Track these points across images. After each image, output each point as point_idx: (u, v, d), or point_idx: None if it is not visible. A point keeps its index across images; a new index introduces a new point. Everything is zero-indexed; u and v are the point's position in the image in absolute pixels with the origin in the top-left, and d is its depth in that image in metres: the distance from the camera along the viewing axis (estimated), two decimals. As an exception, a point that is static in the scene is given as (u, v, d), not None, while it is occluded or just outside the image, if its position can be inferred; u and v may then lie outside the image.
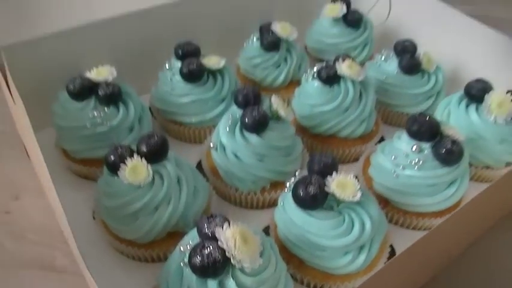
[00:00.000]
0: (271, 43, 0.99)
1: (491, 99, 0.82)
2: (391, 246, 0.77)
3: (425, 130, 0.75)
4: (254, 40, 1.03)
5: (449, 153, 0.73)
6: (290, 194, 0.69)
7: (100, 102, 0.82)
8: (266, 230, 0.77)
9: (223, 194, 0.85)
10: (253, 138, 0.77)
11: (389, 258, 0.73)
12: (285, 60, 1.02)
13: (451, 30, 1.06)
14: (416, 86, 0.96)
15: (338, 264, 0.68)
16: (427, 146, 0.75)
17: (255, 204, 0.84)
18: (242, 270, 0.56)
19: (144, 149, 0.69)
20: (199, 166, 0.88)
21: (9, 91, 0.78)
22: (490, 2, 1.50)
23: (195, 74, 0.89)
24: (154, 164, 0.70)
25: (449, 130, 0.76)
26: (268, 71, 1.01)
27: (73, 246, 0.64)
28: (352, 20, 1.09)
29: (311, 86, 0.89)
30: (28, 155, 0.94)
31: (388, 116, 1.02)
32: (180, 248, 0.59)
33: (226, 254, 0.54)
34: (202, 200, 0.75)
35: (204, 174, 0.84)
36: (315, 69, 0.89)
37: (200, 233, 0.57)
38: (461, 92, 0.89)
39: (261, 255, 0.57)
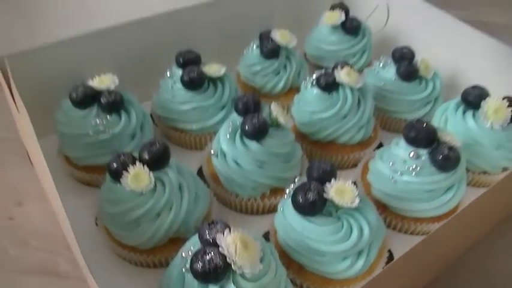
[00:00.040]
0: (271, 50, 1.00)
1: (488, 105, 0.83)
2: (389, 251, 0.78)
3: (423, 137, 0.76)
4: (254, 48, 1.03)
5: (446, 159, 0.74)
6: (290, 200, 0.69)
7: (102, 110, 0.83)
8: (266, 236, 0.78)
9: (224, 200, 0.85)
10: (253, 145, 0.78)
11: (387, 263, 0.73)
12: (285, 67, 1.02)
13: (448, 37, 1.06)
14: (414, 93, 0.97)
15: (337, 269, 0.68)
16: (424, 153, 0.76)
17: (255, 210, 0.84)
18: (243, 275, 0.56)
19: (146, 156, 0.70)
20: (200, 172, 0.89)
21: (13, 99, 0.79)
22: (484, 7, 1.50)
23: (195, 82, 0.90)
24: (156, 171, 0.71)
25: (446, 136, 0.76)
26: (267, 78, 1.02)
27: (76, 252, 0.65)
28: (351, 27, 1.10)
29: (310, 93, 0.90)
30: (31, 161, 0.95)
31: (386, 122, 1.02)
32: (181, 254, 0.60)
33: (227, 259, 0.54)
34: (203, 206, 0.75)
35: (205, 181, 0.84)
36: (314, 76, 0.90)
37: (201, 239, 0.58)
38: (458, 98, 0.90)
39: (262, 260, 0.58)
